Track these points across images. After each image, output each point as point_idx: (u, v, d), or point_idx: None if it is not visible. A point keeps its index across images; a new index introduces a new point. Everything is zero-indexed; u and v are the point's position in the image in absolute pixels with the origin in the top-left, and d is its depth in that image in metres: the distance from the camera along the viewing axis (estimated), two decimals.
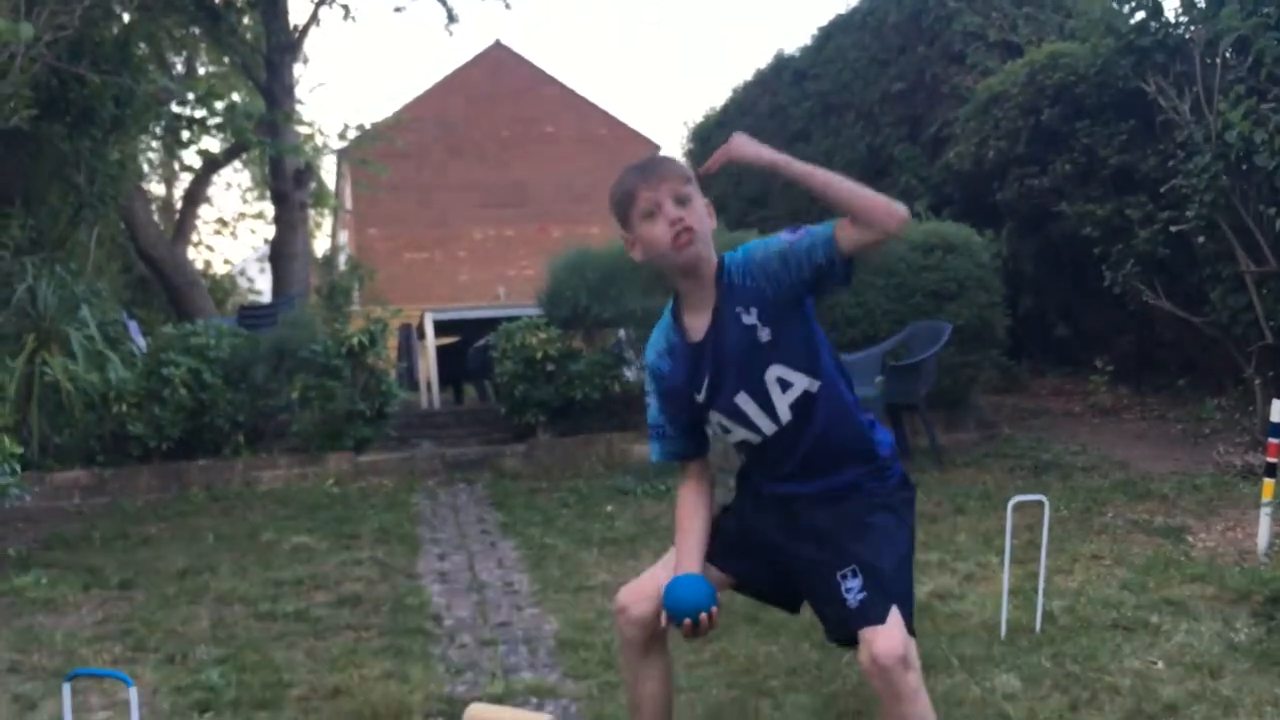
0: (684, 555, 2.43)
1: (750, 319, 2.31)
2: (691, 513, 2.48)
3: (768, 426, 2.38)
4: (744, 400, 2.37)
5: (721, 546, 2.50)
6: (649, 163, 2.40)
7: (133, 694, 2.34)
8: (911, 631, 2.24)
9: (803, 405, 2.35)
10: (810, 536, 2.38)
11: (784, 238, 2.28)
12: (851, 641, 2.35)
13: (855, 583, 2.28)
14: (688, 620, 2.32)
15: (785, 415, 2.36)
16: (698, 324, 2.40)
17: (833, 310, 8.34)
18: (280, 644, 4.16)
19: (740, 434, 2.42)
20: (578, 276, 8.48)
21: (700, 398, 2.42)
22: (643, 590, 2.46)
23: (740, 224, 11.22)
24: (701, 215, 2.35)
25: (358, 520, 6.58)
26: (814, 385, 2.35)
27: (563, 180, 25.07)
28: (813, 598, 2.44)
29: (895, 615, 2.21)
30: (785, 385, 2.34)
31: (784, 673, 3.59)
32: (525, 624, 4.40)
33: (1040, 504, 3.99)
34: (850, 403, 2.41)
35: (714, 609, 2.34)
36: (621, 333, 8.78)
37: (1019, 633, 3.85)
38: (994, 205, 9.92)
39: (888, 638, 2.17)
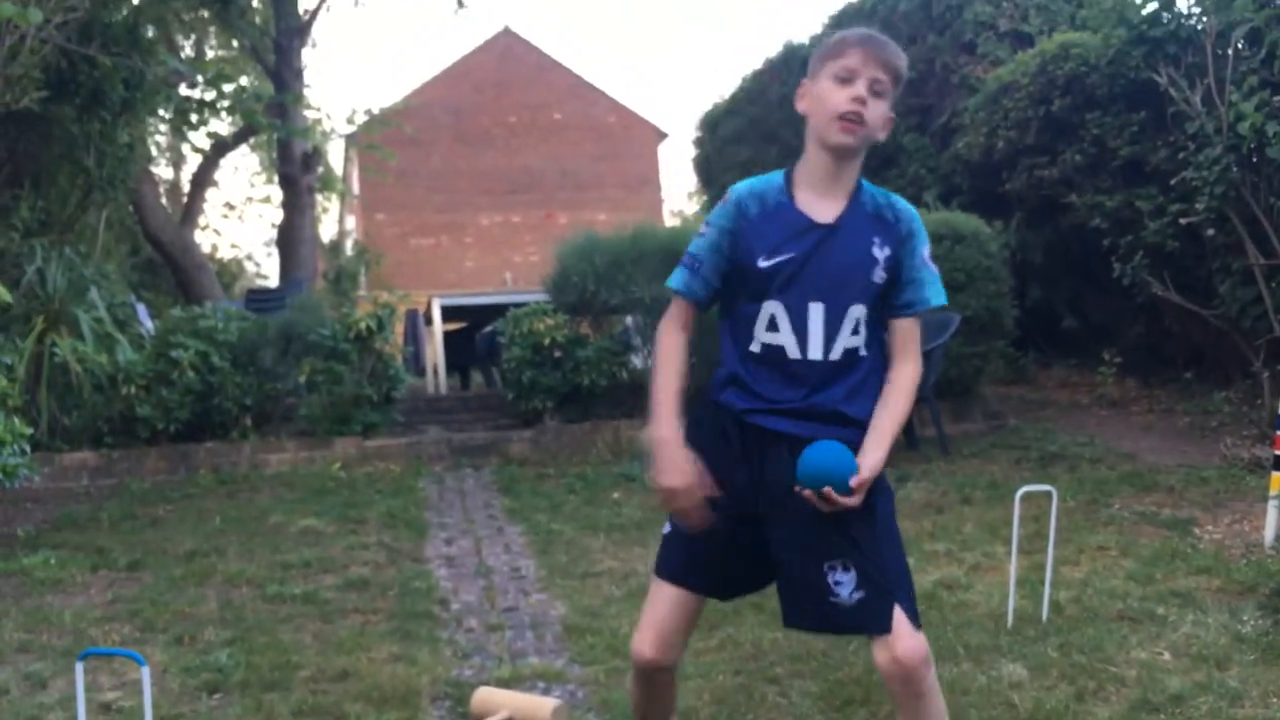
0: (667, 409, 2.27)
1: (880, 253, 2.24)
2: (677, 359, 2.34)
3: (814, 352, 2.24)
4: (815, 310, 2.24)
5: (683, 561, 2.38)
6: (878, 39, 2.25)
7: (145, 673, 2.35)
8: (918, 623, 2.20)
9: (850, 356, 2.26)
10: (791, 503, 2.21)
11: (924, 253, 2.30)
12: (819, 630, 2.36)
13: (847, 576, 2.19)
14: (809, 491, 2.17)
15: (835, 353, 2.25)
16: (816, 205, 2.27)
17: None
18: (288, 626, 4.18)
19: (784, 339, 2.25)
20: (585, 262, 8.48)
21: (765, 264, 2.25)
22: (655, 637, 2.37)
23: None
24: (880, 118, 2.25)
25: (364, 504, 6.60)
26: (866, 349, 2.27)
27: (570, 167, 25.06)
28: (788, 579, 2.31)
29: (908, 615, 2.17)
30: (855, 330, 2.25)
31: (789, 659, 3.59)
32: (532, 609, 4.41)
33: (1048, 495, 3.99)
34: (879, 383, 2.30)
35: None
36: (629, 320, 8.78)
37: (1025, 623, 3.86)
38: (1003, 196, 9.90)
39: (912, 640, 2.14)
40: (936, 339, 7.54)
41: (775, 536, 2.30)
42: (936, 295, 2.27)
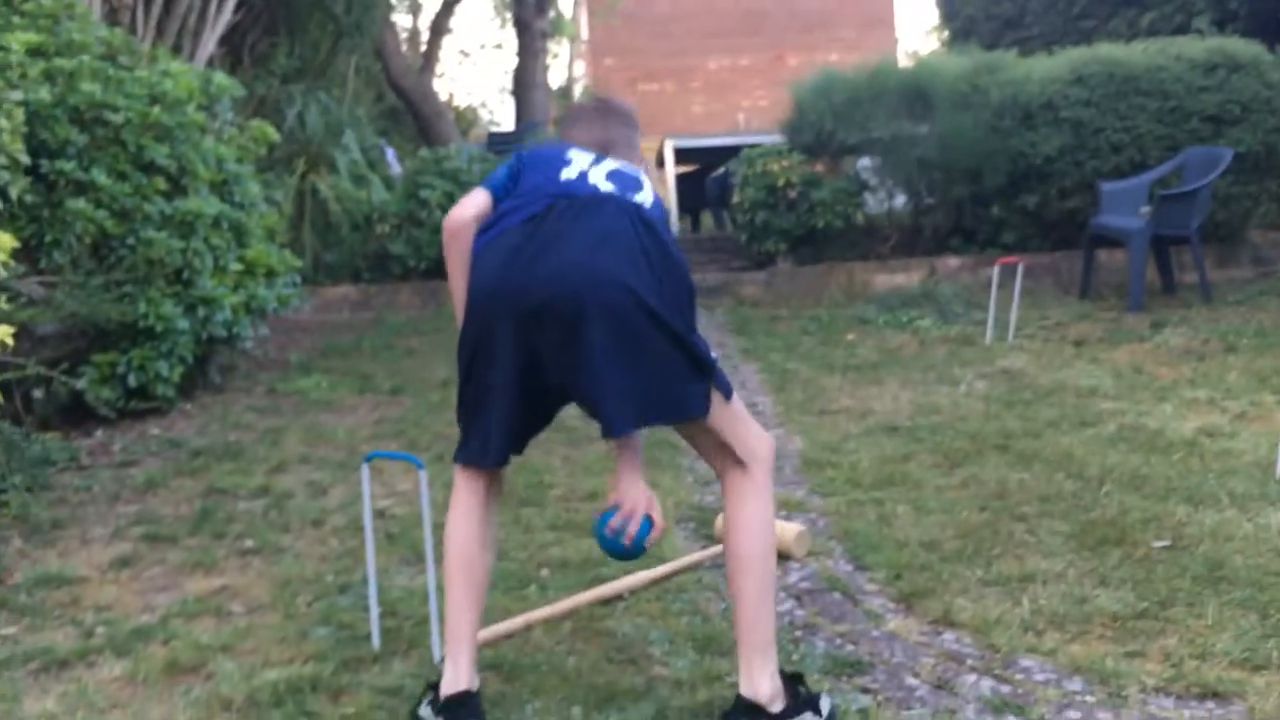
0: None
1: None
2: None
3: None
4: None
5: None
6: None
7: (422, 476, 2.54)
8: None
9: None
10: None
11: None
12: None
13: None
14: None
15: None
16: None
17: (1096, 136, 7.82)
18: (539, 450, 4.36)
19: None
20: (824, 100, 8.25)
21: None
22: None
23: (994, 45, 10.56)
24: None
25: None
26: None
27: (799, 7, 24.15)
28: None
29: None
30: None
31: (1037, 499, 3.52)
32: None
33: None
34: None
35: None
36: (865, 160, 8.53)
37: None
38: None
39: None
40: (1205, 176, 6.99)
41: None
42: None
